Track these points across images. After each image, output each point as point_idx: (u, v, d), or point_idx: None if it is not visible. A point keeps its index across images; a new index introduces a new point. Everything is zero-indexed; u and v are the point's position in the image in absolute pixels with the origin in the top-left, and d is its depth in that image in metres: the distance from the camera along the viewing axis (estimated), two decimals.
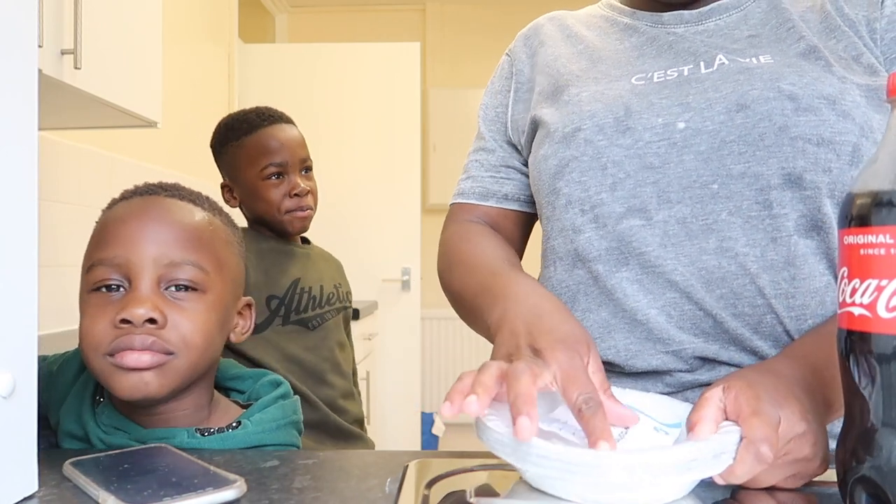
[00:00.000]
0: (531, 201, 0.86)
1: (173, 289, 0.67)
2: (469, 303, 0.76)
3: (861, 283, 0.46)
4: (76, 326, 0.68)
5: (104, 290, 0.66)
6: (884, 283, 0.45)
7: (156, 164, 2.39)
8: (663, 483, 0.47)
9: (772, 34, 0.74)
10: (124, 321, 0.63)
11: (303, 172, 1.48)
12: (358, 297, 3.29)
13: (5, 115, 0.55)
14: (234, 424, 0.71)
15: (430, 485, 0.59)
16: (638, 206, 0.70)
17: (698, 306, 0.68)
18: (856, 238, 0.46)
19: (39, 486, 0.57)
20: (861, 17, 0.71)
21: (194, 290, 0.67)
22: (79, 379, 0.74)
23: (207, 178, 2.50)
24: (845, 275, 0.47)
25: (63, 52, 1.19)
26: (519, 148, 0.87)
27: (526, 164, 0.85)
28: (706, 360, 0.69)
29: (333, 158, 3.37)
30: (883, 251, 0.45)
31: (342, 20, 4.16)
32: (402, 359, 3.43)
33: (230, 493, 0.54)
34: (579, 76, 0.79)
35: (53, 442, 0.76)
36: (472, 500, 0.56)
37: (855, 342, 0.47)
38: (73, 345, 0.76)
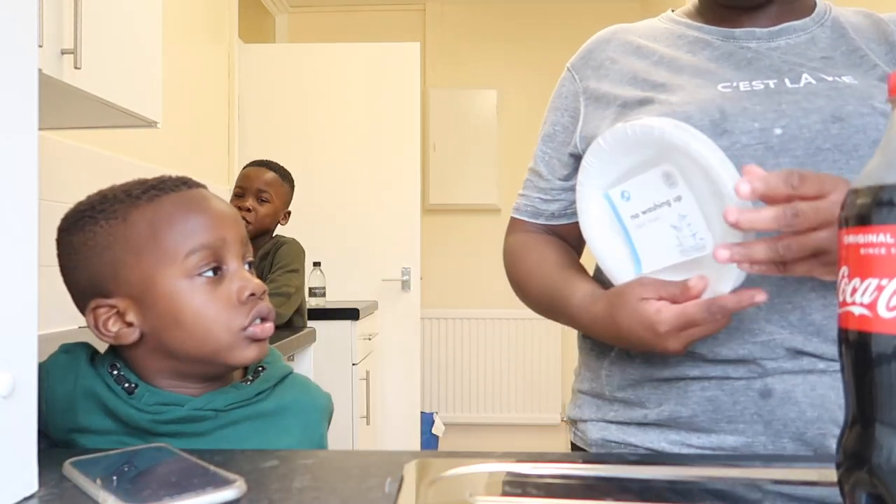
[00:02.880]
0: (574, 213, 0.90)
1: (247, 266, 0.74)
2: (546, 306, 0.92)
3: (861, 282, 0.46)
4: (76, 326, 0.68)
5: (210, 273, 0.70)
6: (884, 282, 0.45)
7: (156, 164, 2.39)
8: None
9: (845, 59, 0.80)
10: (252, 295, 0.70)
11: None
12: (358, 297, 3.29)
13: (5, 115, 0.55)
14: (249, 378, 0.76)
15: (430, 485, 0.59)
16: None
17: (787, 299, 0.72)
18: (856, 237, 0.46)
19: (39, 486, 0.57)
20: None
21: (250, 264, 0.75)
22: (77, 379, 0.73)
23: (207, 178, 2.50)
24: (845, 274, 0.47)
25: (63, 52, 1.19)
26: (574, 161, 0.91)
27: (568, 179, 0.92)
28: (790, 350, 0.74)
29: (333, 158, 3.37)
30: (883, 251, 0.45)
31: (342, 20, 4.16)
32: (402, 359, 3.43)
33: (230, 493, 0.54)
34: (664, 84, 0.83)
35: (53, 442, 0.75)
36: (472, 499, 0.56)
37: (855, 342, 0.47)
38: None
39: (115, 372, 0.72)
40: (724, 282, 0.67)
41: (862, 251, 0.46)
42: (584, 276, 0.85)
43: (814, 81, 0.77)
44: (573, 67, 0.95)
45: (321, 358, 2.39)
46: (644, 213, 0.72)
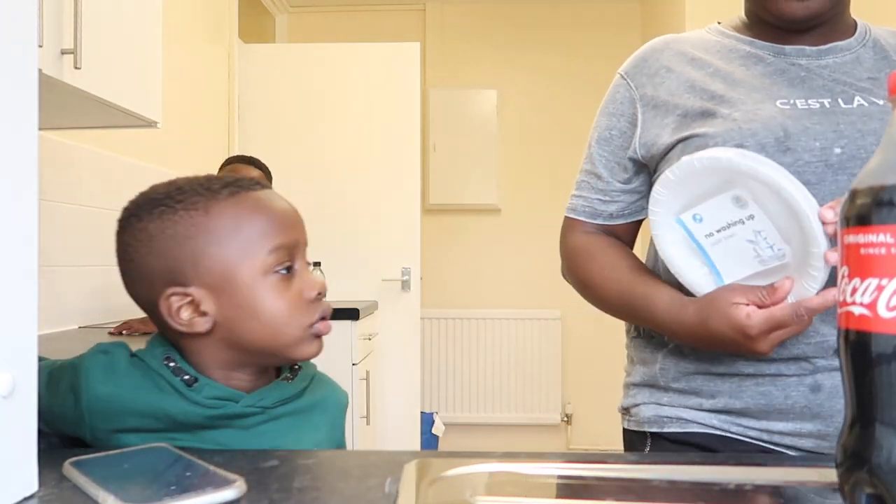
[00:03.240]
0: (633, 212, 0.99)
1: (311, 266, 0.80)
2: (623, 309, 0.92)
3: (861, 282, 0.46)
4: (76, 326, 0.68)
5: (284, 271, 0.73)
6: (884, 282, 0.45)
7: (156, 164, 2.39)
8: None
9: (884, 81, 0.85)
10: (318, 294, 0.74)
11: None
12: (358, 297, 3.29)
13: (5, 115, 0.55)
14: (288, 375, 0.79)
15: (430, 485, 0.59)
16: None
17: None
18: (856, 237, 0.46)
19: (39, 486, 0.57)
20: None
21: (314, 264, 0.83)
22: (121, 379, 0.72)
23: None
24: (845, 274, 0.47)
25: (63, 52, 1.19)
26: (633, 165, 0.96)
27: (631, 181, 0.97)
28: None
29: (333, 158, 3.37)
30: (883, 250, 0.45)
31: (342, 20, 4.16)
32: (402, 359, 3.43)
33: (230, 493, 0.54)
34: (723, 96, 0.88)
35: (54, 442, 0.75)
36: (472, 499, 0.56)
37: (855, 342, 0.47)
38: (73, 344, 0.76)
39: (172, 364, 0.72)
40: (809, 284, 0.72)
41: (862, 251, 0.46)
42: (661, 282, 0.88)
43: (866, 104, 0.83)
44: (627, 75, 0.99)
45: (321, 358, 2.39)
46: (718, 231, 0.76)
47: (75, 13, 1.20)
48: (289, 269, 0.74)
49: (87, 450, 0.68)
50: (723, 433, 0.87)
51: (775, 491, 0.55)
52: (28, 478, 0.56)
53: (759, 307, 0.74)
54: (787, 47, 0.90)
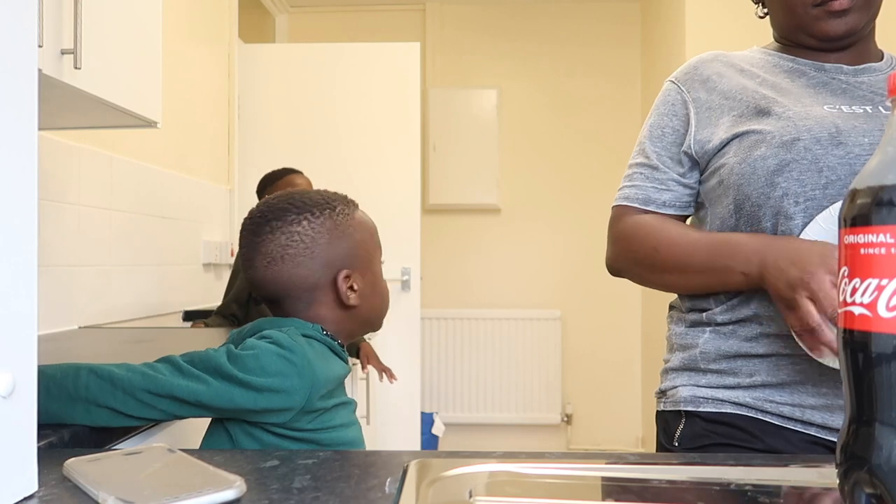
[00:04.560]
0: (685, 205, 1.05)
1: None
2: (699, 265, 0.96)
3: (861, 282, 0.46)
4: (76, 326, 0.68)
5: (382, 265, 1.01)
6: (884, 282, 0.45)
7: (156, 164, 2.39)
8: None
9: None
10: None
11: None
12: None
13: (5, 115, 0.55)
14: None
15: (430, 485, 0.59)
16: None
17: None
18: (856, 237, 0.46)
19: (39, 486, 0.57)
20: None
21: None
22: (318, 350, 0.90)
23: (206, 178, 2.51)
24: (846, 274, 0.47)
25: (63, 52, 1.19)
26: (688, 160, 1.03)
27: (686, 175, 1.04)
28: None
29: (333, 158, 3.37)
30: (883, 251, 0.45)
31: (342, 20, 4.16)
32: (402, 359, 3.42)
33: (230, 493, 0.54)
34: (775, 99, 0.95)
35: (54, 442, 0.76)
36: (472, 500, 0.56)
37: (855, 342, 0.47)
38: (72, 344, 0.76)
39: (327, 333, 0.94)
40: None
41: (862, 251, 0.46)
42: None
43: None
44: (678, 81, 1.06)
45: None
46: None
47: (75, 13, 1.20)
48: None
49: (87, 450, 0.68)
50: (754, 414, 0.92)
51: (775, 491, 0.55)
52: (28, 478, 0.56)
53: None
54: (827, 65, 0.99)
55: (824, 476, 0.55)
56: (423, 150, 3.63)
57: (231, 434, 0.87)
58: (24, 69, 0.57)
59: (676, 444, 0.97)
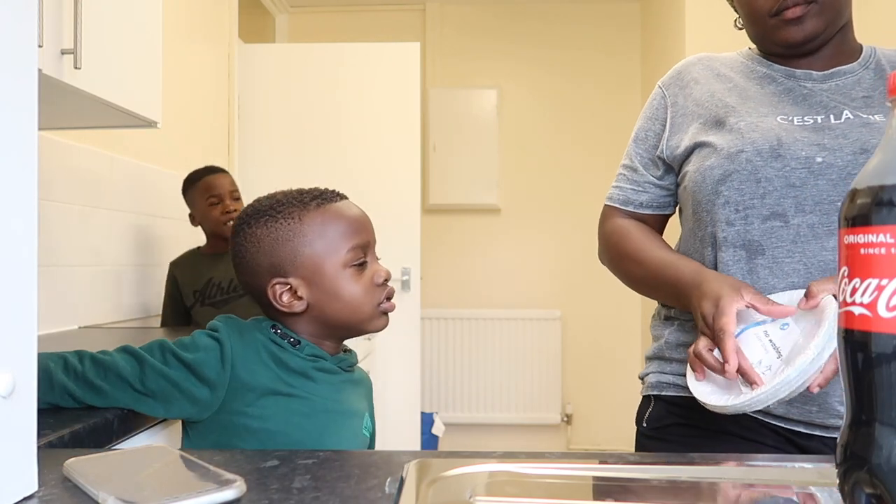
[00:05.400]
0: (662, 206, 1.13)
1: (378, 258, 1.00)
2: (650, 282, 1.06)
3: (861, 282, 0.46)
4: (76, 326, 0.69)
5: (358, 265, 0.94)
6: (884, 282, 0.45)
7: (156, 164, 2.39)
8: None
9: (881, 98, 0.98)
10: (385, 281, 0.96)
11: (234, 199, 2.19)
12: None
13: (5, 115, 0.55)
14: (347, 349, 1.02)
15: (430, 485, 0.59)
16: (779, 212, 0.94)
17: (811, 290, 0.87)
18: (856, 237, 0.46)
19: (39, 485, 0.57)
20: None
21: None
22: (241, 337, 0.92)
23: None
24: (846, 274, 0.47)
25: (63, 52, 1.19)
26: (662, 164, 1.10)
27: (663, 178, 1.11)
28: None
29: (333, 158, 3.37)
30: (883, 251, 0.45)
31: (342, 20, 4.16)
32: (402, 359, 3.42)
33: (230, 493, 0.54)
34: (735, 108, 1.02)
35: (54, 442, 0.76)
36: (472, 500, 0.56)
37: (855, 342, 0.47)
38: (72, 344, 0.76)
39: (278, 331, 0.94)
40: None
41: (862, 251, 0.46)
42: (690, 260, 1.03)
43: (851, 117, 0.96)
44: (664, 85, 1.13)
45: None
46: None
47: (75, 13, 1.20)
48: (362, 262, 0.95)
49: (87, 450, 0.68)
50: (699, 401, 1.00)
51: (775, 491, 0.55)
52: (28, 478, 0.56)
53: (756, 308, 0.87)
54: (798, 71, 1.04)
55: (824, 476, 0.55)
56: (423, 150, 3.63)
57: (188, 434, 0.94)
58: (24, 69, 0.57)
59: (645, 426, 1.08)
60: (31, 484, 0.56)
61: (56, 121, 1.61)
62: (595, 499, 0.62)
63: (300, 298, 0.93)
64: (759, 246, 0.94)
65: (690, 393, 0.95)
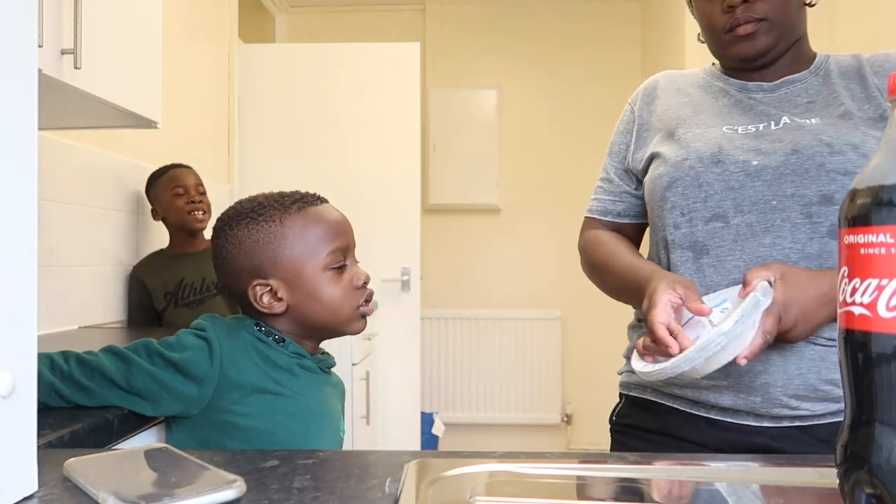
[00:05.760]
0: (638, 215, 1.18)
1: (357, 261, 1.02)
2: (618, 288, 1.12)
3: (861, 282, 0.46)
4: (76, 326, 0.69)
5: (338, 268, 0.96)
6: (884, 282, 0.45)
7: (156, 164, 2.39)
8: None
9: (823, 102, 1.04)
10: (364, 284, 0.99)
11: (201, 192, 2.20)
12: None
13: (5, 115, 0.55)
14: (324, 351, 1.04)
15: (430, 485, 0.59)
16: (720, 213, 1.00)
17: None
18: (856, 237, 0.46)
19: (39, 485, 0.57)
20: (883, 86, 1.02)
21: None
22: (229, 336, 0.93)
23: (206, 178, 2.50)
24: (845, 274, 0.48)
25: (63, 52, 1.19)
26: (633, 175, 1.17)
27: (637, 188, 1.17)
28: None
29: (333, 158, 3.37)
30: (883, 251, 0.45)
31: (342, 20, 4.16)
32: (402, 359, 3.42)
33: (230, 493, 0.54)
34: (686, 120, 1.09)
35: (54, 442, 0.76)
36: (472, 500, 0.56)
37: (855, 342, 0.47)
38: (72, 344, 0.76)
39: (262, 329, 0.96)
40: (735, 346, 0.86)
41: (862, 251, 0.46)
42: (648, 262, 1.09)
43: (789, 122, 1.02)
44: (632, 102, 1.21)
45: None
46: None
47: (75, 13, 1.20)
48: (342, 266, 0.97)
49: (87, 450, 0.68)
50: (664, 401, 1.06)
51: (775, 491, 0.55)
52: (28, 478, 0.56)
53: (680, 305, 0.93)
54: (750, 83, 1.09)
55: (824, 476, 0.55)
56: (423, 150, 3.63)
57: (172, 429, 0.95)
58: (24, 69, 0.57)
59: (614, 419, 1.16)
60: (31, 484, 0.56)
61: (56, 121, 1.61)
62: (595, 499, 0.62)
63: (280, 300, 0.94)
64: (703, 246, 1.00)
65: (651, 396, 1.08)
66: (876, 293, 0.45)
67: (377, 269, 3.37)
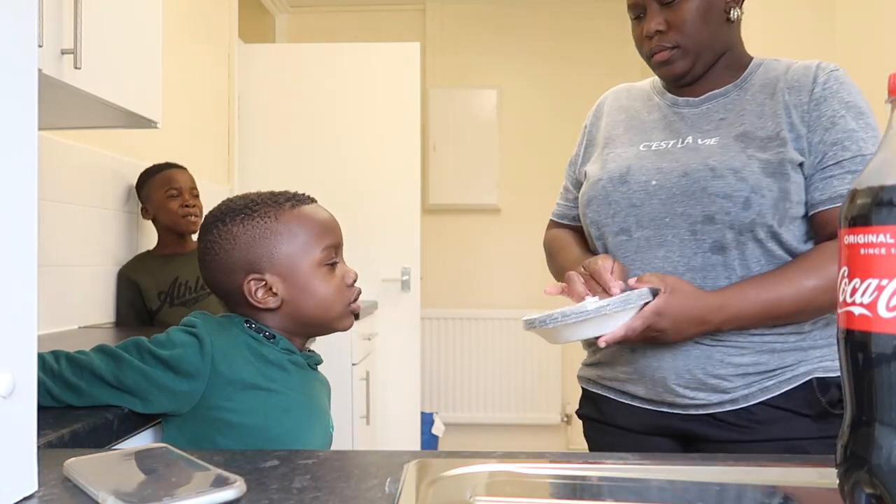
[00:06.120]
0: None
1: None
2: (563, 272, 1.16)
3: (861, 282, 0.46)
4: (76, 326, 0.69)
5: (331, 265, 0.99)
6: (884, 282, 0.45)
7: (156, 164, 2.39)
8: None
9: (731, 118, 1.10)
10: (354, 282, 1.02)
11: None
12: None
13: (5, 115, 0.55)
14: (310, 349, 1.05)
15: (430, 485, 0.59)
16: (625, 228, 1.10)
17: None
18: (856, 238, 0.46)
19: (39, 485, 0.57)
20: (794, 102, 1.06)
21: None
22: (224, 333, 0.94)
23: (206, 178, 2.51)
24: (846, 274, 0.47)
25: (63, 52, 1.19)
26: (581, 185, 1.26)
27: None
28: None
29: (333, 158, 3.37)
30: (883, 251, 0.45)
31: (342, 20, 4.16)
32: (402, 359, 3.42)
33: (230, 493, 0.54)
34: (615, 139, 1.19)
35: (54, 442, 0.76)
36: (472, 500, 0.56)
37: (855, 342, 0.47)
38: (72, 344, 0.76)
39: (252, 326, 0.97)
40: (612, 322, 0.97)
41: (862, 251, 0.46)
42: (583, 254, 1.20)
43: (690, 142, 1.10)
44: (588, 117, 1.30)
45: (323, 357, 2.39)
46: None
47: (75, 13, 1.20)
48: (334, 263, 0.99)
49: (87, 450, 0.68)
50: (601, 392, 1.19)
51: (775, 491, 0.55)
52: (28, 478, 0.56)
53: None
54: (680, 99, 1.16)
55: (824, 476, 0.55)
56: (423, 150, 3.63)
57: (162, 428, 0.95)
58: (24, 69, 0.57)
59: (577, 410, 1.28)
60: (31, 484, 0.56)
61: (56, 121, 1.61)
62: (595, 499, 0.62)
63: (274, 294, 0.96)
64: (613, 256, 1.09)
65: (593, 388, 1.22)
66: (876, 293, 0.45)
67: (377, 269, 3.37)
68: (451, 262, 4.07)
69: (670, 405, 1.07)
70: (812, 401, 1.00)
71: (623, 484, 0.63)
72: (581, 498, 0.62)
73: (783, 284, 0.98)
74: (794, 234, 1.03)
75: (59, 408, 0.88)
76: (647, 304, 0.96)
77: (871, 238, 0.45)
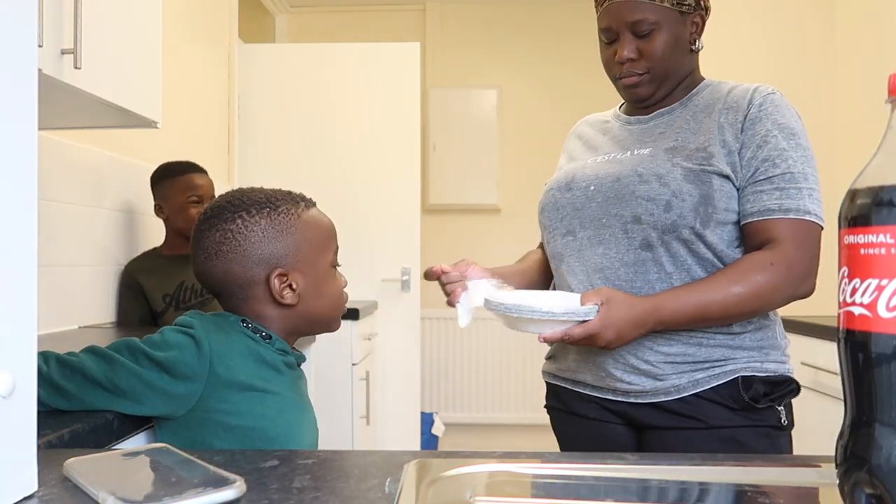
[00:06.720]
0: None
1: None
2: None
3: (861, 282, 0.46)
4: (76, 326, 0.69)
5: (336, 266, 1.03)
6: (884, 282, 0.45)
7: (156, 163, 2.39)
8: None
9: (669, 133, 1.18)
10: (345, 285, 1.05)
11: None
12: (358, 297, 3.29)
13: (5, 115, 0.55)
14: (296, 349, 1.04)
15: (430, 485, 0.59)
16: (570, 230, 1.21)
17: (592, 284, 1.17)
18: (856, 238, 0.46)
19: (39, 485, 0.57)
20: (730, 121, 1.14)
21: None
22: (222, 333, 0.93)
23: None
24: (845, 274, 0.47)
25: (63, 52, 1.19)
26: None
27: None
28: None
29: (333, 158, 3.37)
30: (883, 251, 0.45)
31: (342, 20, 4.16)
32: (402, 359, 3.42)
33: (230, 493, 0.54)
34: (571, 156, 1.33)
35: (54, 442, 0.76)
36: (472, 500, 0.56)
37: (855, 342, 0.47)
38: (72, 344, 0.76)
39: (248, 326, 0.96)
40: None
41: (862, 251, 0.46)
42: (532, 267, 1.39)
43: (628, 154, 1.19)
44: (566, 139, 1.41)
45: (321, 358, 2.40)
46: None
47: (75, 13, 1.20)
48: (337, 265, 1.03)
49: (87, 450, 0.68)
50: (558, 383, 1.26)
51: (774, 491, 0.55)
52: (28, 478, 0.56)
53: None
54: (632, 117, 1.26)
55: (824, 476, 0.55)
56: (423, 150, 3.63)
57: (159, 435, 0.93)
58: (24, 69, 0.57)
59: (544, 404, 1.32)
60: (31, 484, 0.56)
61: (56, 121, 1.61)
62: (595, 499, 0.62)
63: (293, 291, 0.96)
64: (561, 256, 1.23)
65: (553, 381, 1.28)
66: (876, 293, 0.45)
67: (377, 269, 3.37)
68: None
69: (615, 391, 1.15)
70: (736, 396, 1.09)
71: (623, 484, 0.63)
72: (581, 498, 0.62)
73: (712, 290, 1.06)
74: (721, 237, 1.11)
75: (58, 408, 0.88)
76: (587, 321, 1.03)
77: (871, 238, 0.45)
